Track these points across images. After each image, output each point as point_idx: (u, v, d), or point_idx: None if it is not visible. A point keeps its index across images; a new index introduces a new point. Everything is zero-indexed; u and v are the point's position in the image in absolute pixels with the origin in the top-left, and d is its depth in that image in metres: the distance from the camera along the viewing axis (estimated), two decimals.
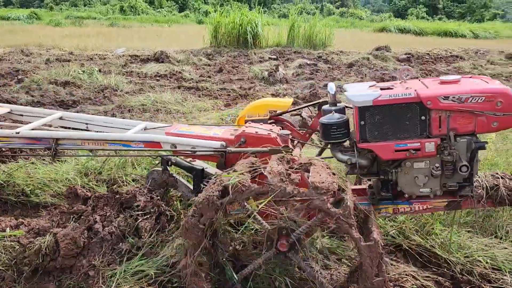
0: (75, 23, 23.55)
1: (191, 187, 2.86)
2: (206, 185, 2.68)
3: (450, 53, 13.55)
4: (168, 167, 2.87)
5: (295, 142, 2.74)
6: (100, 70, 8.58)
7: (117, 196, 2.67)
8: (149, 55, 10.80)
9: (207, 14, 22.32)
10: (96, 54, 11.37)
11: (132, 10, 36.07)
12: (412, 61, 11.72)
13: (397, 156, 2.20)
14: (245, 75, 9.25)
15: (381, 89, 2.24)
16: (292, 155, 2.42)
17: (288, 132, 2.76)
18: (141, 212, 2.62)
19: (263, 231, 2.06)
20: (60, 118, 3.06)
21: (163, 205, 2.73)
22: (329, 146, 2.48)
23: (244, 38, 13.51)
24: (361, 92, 2.26)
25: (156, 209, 2.68)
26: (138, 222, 2.57)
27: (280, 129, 2.74)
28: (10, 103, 5.39)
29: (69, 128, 3.14)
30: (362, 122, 2.21)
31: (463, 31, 25.65)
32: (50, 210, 3.08)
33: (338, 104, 2.54)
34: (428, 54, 13.02)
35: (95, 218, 2.51)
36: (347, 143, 2.44)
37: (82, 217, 2.56)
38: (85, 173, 3.47)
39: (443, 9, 53.12)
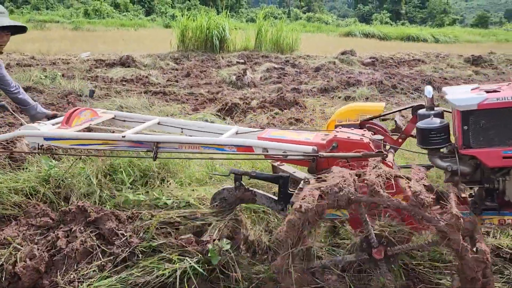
0: (37, 27, 22.84)
1: (273, 197, 2.79)
2: (293, 192, 2.67)
3: (412, 57, 13.98)
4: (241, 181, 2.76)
5: (388, 147, 2.68)
6: (63, 75, 8.35)
7: (86, 213, 2.61)
8: (115, 60, 10.60)
9: (174, 18, 22.14)
10: (59, 59, 11.07)
11: (97, 13, 35.36)
12: (377, 64, 12.02)
13: (506, 163, 2.06)
14: (213, 79, 9.23)
15: (487, 92, 2.12)
16: (385, 160, 2.34)
17: (381, 137, 2.68)
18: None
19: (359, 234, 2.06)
20: (158, 123, 3.18)
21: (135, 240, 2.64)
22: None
23: (212, 42, 13.49)
24: (464, 95, 2.14)
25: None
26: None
27: (372, 134, 2.66)
28: None
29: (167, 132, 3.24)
30: (466, 127, 2.08)
31: (424, 36, 26.53)
32: (18, 221, 2.98)
33: (436, 108, 2.43)
34: (391, 58, 13.39)
35: (58, 234, 2.44)
36: (444, 149, 2.31)
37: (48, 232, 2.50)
38: (47, 181, 3.36)
39: (406, 14, 54.79)
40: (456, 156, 2.17)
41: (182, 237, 2.60)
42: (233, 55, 12.75)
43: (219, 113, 6.05)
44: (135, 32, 23.46)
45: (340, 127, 2.83)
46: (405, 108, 2.99)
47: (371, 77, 9.40)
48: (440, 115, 2.38)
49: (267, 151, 2.61)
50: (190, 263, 2.42)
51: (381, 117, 3.07)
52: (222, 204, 2.88)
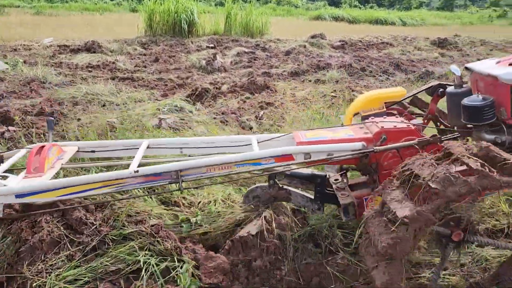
0: None
1: (309, 196, 2.70)
2: (331, 192, 2.59)
3: (381, 40, 14.13)
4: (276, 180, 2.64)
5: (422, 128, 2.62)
6: (25, 62, 8.03)
7: (51, 204, 2.48)
8: (79, 45, 10.26)
9: (141, 2, 21.54)
10: (21, 45, 10.61)
11: None
12: (346, 48, 12.11)
13: None
14: (182, 64, 9.08)
15: (510, 64, 2.24)
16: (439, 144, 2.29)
17: (420, 121, 2.67)
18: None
19: None
20: (148, 147, 2.68)
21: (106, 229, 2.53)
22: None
23: (180, 26, 13.23)
24: (511, 69, 2.23)
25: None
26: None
27: (403, 120, 2.60)
28: None
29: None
30: None
31: (392, 19, 26.86)
32: None
33: (464, 85, 2.49)
34: (360, 41, 13.50)
35: (21, 226, 2.36)
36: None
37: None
38: None
39: None
40: (504, 127, 2.26)
41: (152, 223, 2.57)
42: (203, 40, 12.56)
43: (188, 99, 5.97)
44: (100, 17, 22.72)
45: (372, 117, 2.74)
46: (425, 89, 2.96)
47: (340, 60, 9.47)
48: (469, 92, 2.44)
49: (310, 156, 2.41)
50: (149, 255, 2.40)
51: (402, 101, 3.05)
52: (256, 202, 2.78)
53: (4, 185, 2.22)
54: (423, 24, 27.68)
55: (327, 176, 2.71)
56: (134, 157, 2.51)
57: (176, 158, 2.81)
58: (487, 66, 2.42)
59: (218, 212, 2.96)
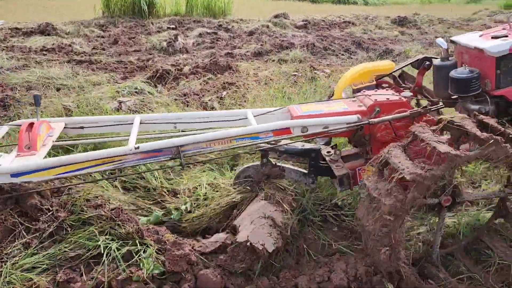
0: None
1: (303, 170, 2.71)
2: (324, 165, 2.60)
3: (343, 19, 14.20)
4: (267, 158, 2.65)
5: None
6: None
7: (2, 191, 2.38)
8: (32, 28, 9.76)
9: None
10: None
11: None
12: (309, 27, 12.10)
13: None
14: (142, 46, 8.83)
15: (494, 37, 2.35)
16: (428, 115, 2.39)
17: (410, 93, 2.71)
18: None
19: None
20: (141, 123, 2.63)
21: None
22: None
23: (139, 7, 12.81)
24: (495, 43, 2.32)
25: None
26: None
27: (393, 93, 2.69)
28: None
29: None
30: (498, 71, 2.29)
31: None
32: None
33: (450, 58, 2.57)
34: (323, 20, 13.52)
35: None
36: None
37: None
38: None
39: None
40: (488, 98, 2.37)
41: (112, 207, 2.51)
42: (163, 21, 12.22)
43: (149, 81, 5.83)
44: None
45: (364, 90, 2.81)
46: (411, 63, 3.03)
47: (303, 40, 9.47)
48: (455, 65, 2.53)
49: (307, 130, 2.45)
50: (110, 239, 2.36)
51: (391, 74, 3.14)
52: (247, 182, 2.76)
53: None
54: (384, 3, 27.98)
55: (320, 149, 2.76)
56: (124, 133, 2.47)
57: (170, 133, 2.77)
58: (472, 39, 2.52)
59: (205, 197, 2.90)
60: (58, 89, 5.37)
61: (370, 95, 2.62)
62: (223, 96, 5.24)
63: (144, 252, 2.37)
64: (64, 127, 2.64)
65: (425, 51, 8.55)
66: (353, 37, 10.29)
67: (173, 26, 11.41)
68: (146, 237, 2.46)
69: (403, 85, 3.13)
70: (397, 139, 2.31)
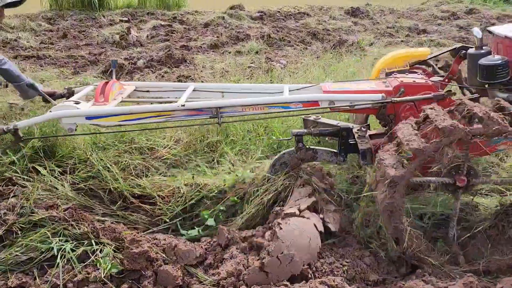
0: None
1: (334, 150, 2.84)
2: (354, 142, 2.76)
3: (298, 10, 14.32)
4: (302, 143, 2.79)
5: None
6: None
7: None
8: None
9: None
10: None
11: None
12: (265, 19, 12.13)
13: None
14: (93, 40, 8.54)
15: None
16: (451, 98, 2.46)
17: (439, 78, 2.79)
18: None
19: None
20: (194, 90, 2.96)
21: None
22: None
23: None
24: None
25: None
26: None
27: (422, 77, 2.78)
28: None
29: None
30: None
31: None
32: None
33: (484, 48, 2.61)
34: (279, 12, 13.58)
35: None
36: None
37: None
38: None
39: None
40: None
41: (65, 207, 2.44)
42: (115, 13, 11.86)
43: (102, 75, 5.66)
44: None
45: (395, 73, 2.96)
46: (448, 51, 3.11)
47: (259, 31, 9.48)
48: (489, 53, 2.58)
49: (334, 104, 2.61)
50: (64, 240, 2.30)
51: (427, 61, 3.20)
52: (283, 168, 2.86)
53: (78, 108, 2.60)
54: None
55: (351, 127, 2.88)
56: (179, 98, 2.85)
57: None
58: (506, 29, 2.60)
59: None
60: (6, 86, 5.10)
61: (398, 77, 2.77)
62: None
63: (101, 251, 2.32)
64: (134, 90, 3.05)
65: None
66: (308, 28, 10.40)
67: (126, 19, 11.10)
68: (102, 236, 2.41)
69: (440, 73, 3.22)
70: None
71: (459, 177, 2.23)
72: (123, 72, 5.89)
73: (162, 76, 5.85)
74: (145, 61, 6.50)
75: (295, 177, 2.83)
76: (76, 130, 2.65)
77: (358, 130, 2.91)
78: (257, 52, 7.61)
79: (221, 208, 2.86)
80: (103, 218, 2.77)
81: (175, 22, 11.12)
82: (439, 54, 3.24)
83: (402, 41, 9.11)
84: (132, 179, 3.10)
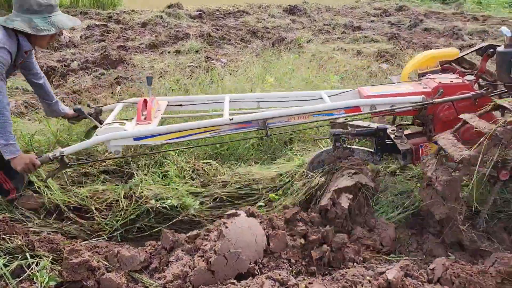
0: None
1: (370, 150, 2.93)
2: (391, 143, 2.82)
3: (237, 8, 14.37)
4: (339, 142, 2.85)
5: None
6: None
7: None
8: None
9: None
10: None
11: None
12: (204, 17, 12.05)
13: None
14: None
15: None
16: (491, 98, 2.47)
17: (472, 77, 2.83)
18: None
19: None
20: (230, 102, 2.95)
21: None
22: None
23: None
24: None
25: None
26: None
27: (457, 76, 2.85)
28: None
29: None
30: None
31: None
32: None
33: None
34: (218, 10, 13.55)
35: None
36: None
37: None
38: None
39: None
40: None
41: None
42: None
43: None
44: None
45: (429, 74, 3.00)
46: (475, 50, 3.16)
47: (199, 30, 9.40)
48: None
49: (375, 108, 2.67)
50: None
51: (456, 60, 3.27)
52: (320, 166, 2.93)
53: (125, 130, 2.56)
54: None
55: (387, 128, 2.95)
56: (214, 110, 3.07)
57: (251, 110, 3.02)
58: None
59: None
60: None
61: (435, 78, 2.83)
62: (118, 91, 5.01)
63: (37, 264, 2.20)
64: (167, 104, 3.02)
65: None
66: (248, 26, 10.47)
67: None
68: (38, 248, 2.28)
69: (467, 71, 3.29)
70: (459, 119, 2.49)
71: (503, 171, 2.36)
72: (55, 75, 5.61)
73: (99, 78, 5.64)
74: (79, 62, 6.24)
75: (332, 174, 2.90)
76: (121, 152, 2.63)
77: (393, 130, 2.98)
78: (197, 51, 7.55)
79: (260, 204, 2.94)
80: (39, 230, 2.63)
81: (111, 21, 10.75)
82: (468, 53, 3.31)
83: (338, 37, 9.42)
84: (69, 189, 2.97)
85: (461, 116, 2.45)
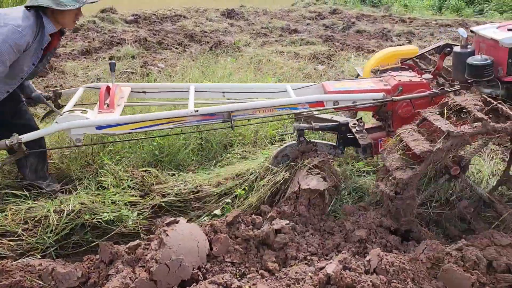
0: None
1: (333, 144, 3.02)
2: (352, 136, 2.95)
3: (174, 12, 14.19)
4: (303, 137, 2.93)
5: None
6: None
7: None
8: None
9: None
10: None
11: None
12: (140, 22, 11.78)
13: None
14: None
15: (509, 30, 2.68)
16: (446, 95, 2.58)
17: (430, 76, 2.95)
18: None
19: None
20: (195, 91, 2.92)
21: None
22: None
23: None
24: (510, 34, 2.63)
25: None
26: None
27: (415, 75, 3.01)
28: None
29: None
30: (510, 60, 2.60)
31: None
32: None
33: (468, 46, 2.80)
34: (154, 14, 13.29)
35: None
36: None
37: None
38: None
39: None
40: (499, 84, 2.69)
41: None
42: None
43: None
44: None
45: (389, 71, 3.13)
46: (433, 48, 3.28)
47: (135, 35, 9.18)
48: (473, 52, 2.81)
49: (338, 103, 2.78)
50: None
51: (414, 58, 3.40)
52: (284, 160, 2.98)
53: (87, 118, 2.48)
54: None
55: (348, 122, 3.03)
56: (179, 99, 3.01)
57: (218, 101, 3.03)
58: (489, 30, 2.81)
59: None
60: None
61: (395, 76, 2.95)
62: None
63: None
64: (131, 91, 2.98)
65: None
66: (186, 30, 10.38)
67: None
68: None
69: (424, 68, 3.41)
70: (417, 115, 2.63)
71: (455, 167, 2.56)
72: None
73: None
74: None
75: (296, 169, 2.94)
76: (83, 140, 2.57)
77: (354, 124, 3.08)
78: (133, 57, 7.37)
79: (227, 200, 2.96)
80: None
81: None
82: (426, 51, 3.45)
83: (276, 40, 9.59)
84: None
85: (421, 112, 2.62)
